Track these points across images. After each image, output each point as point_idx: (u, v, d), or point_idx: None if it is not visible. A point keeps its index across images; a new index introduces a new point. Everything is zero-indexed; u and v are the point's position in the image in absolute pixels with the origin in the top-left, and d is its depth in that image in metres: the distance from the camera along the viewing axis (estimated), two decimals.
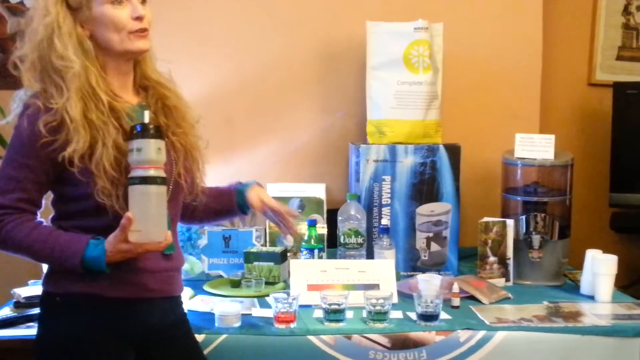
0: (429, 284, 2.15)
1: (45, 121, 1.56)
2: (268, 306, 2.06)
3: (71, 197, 1.62)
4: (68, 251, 1.58)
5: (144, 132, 1.57)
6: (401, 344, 1.93)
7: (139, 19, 1.64)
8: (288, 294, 2.00)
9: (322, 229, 2.53)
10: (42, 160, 1.58)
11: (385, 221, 2.46)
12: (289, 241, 2.07)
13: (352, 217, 2.42)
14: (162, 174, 1.58)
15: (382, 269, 2.23)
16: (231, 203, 2.00)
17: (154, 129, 1.58)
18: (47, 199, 1.68)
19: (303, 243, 2.41)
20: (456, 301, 2.13)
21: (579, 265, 2.38)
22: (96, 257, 1.56)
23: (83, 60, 1.60)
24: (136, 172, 1.55)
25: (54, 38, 1.59)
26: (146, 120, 1.60)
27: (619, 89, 2.97)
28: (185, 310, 1.87)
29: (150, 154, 1.56)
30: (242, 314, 1.99)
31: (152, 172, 1.56)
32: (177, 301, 1.82)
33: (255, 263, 2.35)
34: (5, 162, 1.61)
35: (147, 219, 1.55)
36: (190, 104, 1.81)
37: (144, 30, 1.66)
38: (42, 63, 1.60)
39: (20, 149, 1.59)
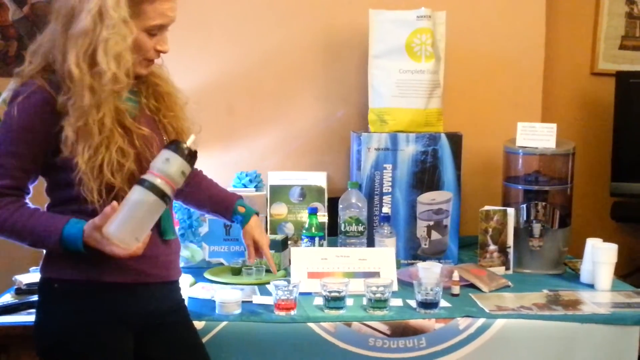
0: (429, 272, 2.16)
1: (44, 110, 1.56)
2: (268, 294, 2.06)
3: (66, 183, 1.61)
4: (49, 228, 1.57)
5: (178, 149, 1.59)
6: (401, 331, 1.94)
7: (159, 53, 1.68)
8: (288, 282, 2.01)
9: (323, 217, 2.54)
10: (30, 146, 1.58)
11: (386, 209, 2.46)
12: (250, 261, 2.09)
13: (353, 205, 2.42)
14: (169, 191, 1.58)
15: (382, 257, 2.23)
16: (224, 216, 2.04)
17: (188, 151, 1.60)
18: (43, 185, 1.68)
19: (304, 231, 2.42)
20: (456, 289, 2.14)
21: (579, 254, 2.38)
22: (73, 235, 1.55)
23: None
24: (148, 176, 1.57)
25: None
26: (189, 142, 1.63)
27: (621, 78, 2.96)
28: (185, 297, 1.89)
29: (169, 169, 1.57)
30: (243, 302, 2.00)
31: (159, 182, 1.56)
32: (175, 286, 1.83)
33: None
34: None
35: (128, 220, 1.54)
36: (179, 88, 1.82)
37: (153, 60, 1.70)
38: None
39: (7, 136, 1.58)
